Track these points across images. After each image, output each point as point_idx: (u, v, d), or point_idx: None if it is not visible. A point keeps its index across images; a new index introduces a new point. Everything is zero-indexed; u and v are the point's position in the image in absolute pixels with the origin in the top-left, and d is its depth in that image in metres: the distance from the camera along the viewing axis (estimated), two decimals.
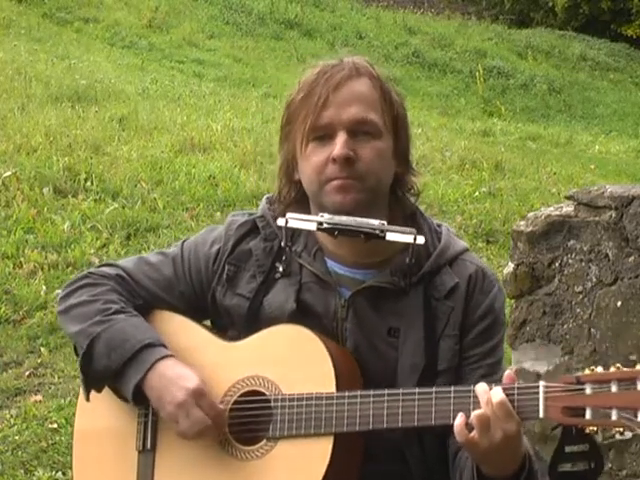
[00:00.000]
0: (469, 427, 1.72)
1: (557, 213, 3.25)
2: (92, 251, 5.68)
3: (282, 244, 1.98)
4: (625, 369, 1.65)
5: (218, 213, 6.54)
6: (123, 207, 6.35)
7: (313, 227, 1.90)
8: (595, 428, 1.65)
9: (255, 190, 6.90)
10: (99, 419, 2.06)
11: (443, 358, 1.92)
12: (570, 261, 3.21)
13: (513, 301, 3.38)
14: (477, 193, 7.93)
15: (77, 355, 2.02)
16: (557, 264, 3.24)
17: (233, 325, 2.01)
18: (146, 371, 1.91)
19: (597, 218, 3.15)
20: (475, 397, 1.74)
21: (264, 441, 1.87)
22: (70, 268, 5.40)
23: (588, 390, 1.66)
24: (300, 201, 1.99)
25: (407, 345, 1.91)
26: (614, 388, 1.64)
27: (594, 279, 3.16)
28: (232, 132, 8.85)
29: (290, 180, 2.00)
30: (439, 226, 2.04)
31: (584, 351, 3.15)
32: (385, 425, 1.80)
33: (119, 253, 5.68)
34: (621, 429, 1.63)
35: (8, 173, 6.50)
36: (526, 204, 7.61)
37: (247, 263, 2.02)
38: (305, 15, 19.44)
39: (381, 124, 1.93)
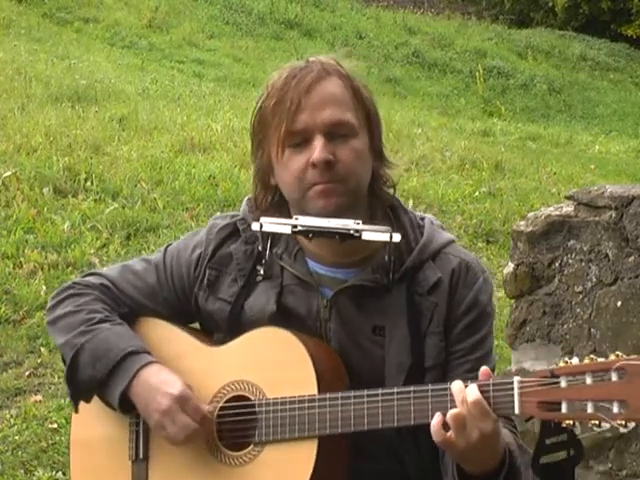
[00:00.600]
0: (446, 427, 1.71)
1: (557, 213, 3.25)
2: (92, 251, 5.67)
3: (260, 248, 1.97)
4: (599, 360, 1.63)
5: (218, 213, 6.51)
6: (123, 207, 6.35)
7: (287, 230, 1.89)
8: (572, 421, 1.64)
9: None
10: (93, 429, 2.06)
11: (429, 355, 1.91)
12: (570, 261, 3.21)
13: (513, 301, 3.38)
14: (477, 193, 7.93)
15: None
16: (557, 264, 3.24)
17: (218, 329, 2.01)
18: (130, 379, 1.91)
19: (597, 218, 3.15)
20: (452, 395, 1.73)
21: (251, 446, 1.88)
22: (70, 268, 5.40)
23: (563, 383, 1.64)
24: (278, 205, 1.97)
25: (393, 343, 1.90)
26: (589, 380, 1.62)
27: (594, 279, 3.16)
28: (232, 132, 8.85)
29: (266, 186, 1.98)
30: (422, 219, 2.02)
31: (584, 351, 3.15)
32: (366, 427, 1.79)
33: (119, 253, 5.68)
34: (597, 422, 1.62)
35: (8, 173, 6.49)
36: (526, 204, 7.61)
37: (228, 267, 2.01)
38: (305, 15, 19.45)
39: (356, 123, 1.91)
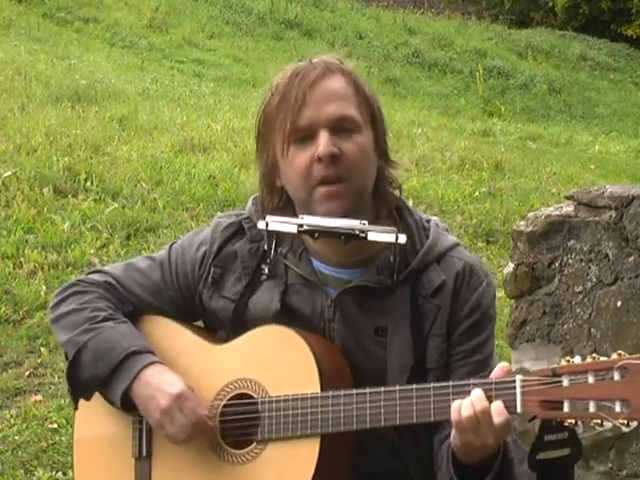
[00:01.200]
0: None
1: (557, 213, 3.25)
2: (92, 251, 5.67)
3: (265, 247, 1.97)
4: (602, 359, 1.63)
5: (218, 213, 6.51)
6: (123, 207, 6.35)
7: (294, 230, 1.89)
8: (573, 420, 1.64)
9: (255, 190, 6.87)
10: (97, 427, 2.06)
11: (431, 357, 1.91)
12: (570, 261, 3.21)
13: (513, 301, 3.38)
14: (477, 193, 7.92)
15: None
16: (557, 264, 3.24)
17: (222, 327, 2.01)
18: (132, 379, 1.92)
19: (597, 218, 3.15)
20: (454, 393, 1.74)
21: (254, 444, 1.88)
22: (70, 268, 5.40)
23: (565, 382, 1.65)
24: (284, 208, 1.97)
25: (395, 344, 1.90)
26: (591, 379, 1.63)
27: (594, 279, 3.16)
28: (232, 132, 8.85)
29: (272, 187, 1.98)
30: (427, 221, 2.02)
31: (584, 351, 3.15)
32: (369, 425, 1.80)
33: (119, 253, 5.68)
34: (599, 421, 1.62)
35: (8, 173, 6.49)
36: (526, 204, 7.60)
37: (233, 265, 2.01)
38: (305, 15, 19.44)
39: (359, 119, 1.91)
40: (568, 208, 3.25)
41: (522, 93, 18.40)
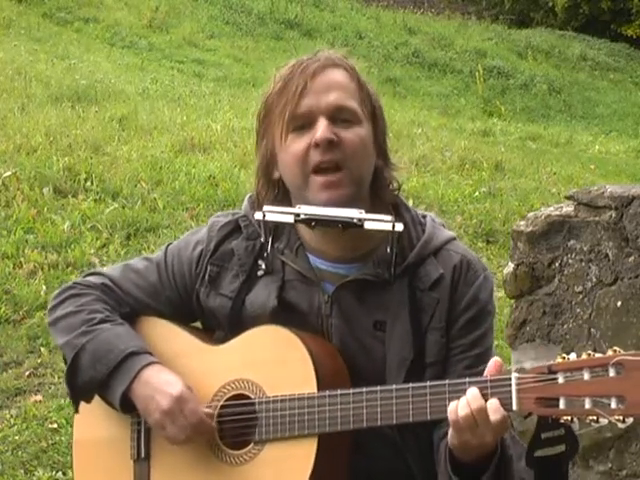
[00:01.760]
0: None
1: (557, 213, 3.25)
2: (92, 251, 5.67)
3: (262, 239, 1.97)
4: (597, 355, 1.63)
5: (218, 213, 6.52)
6: (123, 207, 6.35)
7: (290, 219, 1.89)
8: (570, 417, 1.64)
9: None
10: (95, 428, 2.06)
11: (430, 351, 1.91)
12: (570, 261, 3.21)
13: (513, 301, 3.38)
14: (477, 193, 7.92)
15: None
16: (557, 264, 3.24)
17: (220, 326, 2.01)
18: (131, 380, 1.92)
19: (597, 218, 3.15)
20: (451, 392, 1.73)
21: (252, 445, 1.88)
22: (70, 268, 5.40)
23: (561, 379, 1.65)
24: (281, 201, 1.96)
25: (394, 339, 1.90)
26: (586, 376, 1.63)
27: (594, 279, 3.16)
28: (232, 132, 8.85)
29: (269, 179, 1.98)
30: (424, 217, 2.02)
31: (584, 351, 3.14)
32: (365, 424, 1.80)
33: (119, 253, 5.68)
34: (595, 417, 1.62)
35: (8, 173, 6.49)
36: (526, 204, 7.60)
37: (229, 263, 2.01)
38: (305, 15, 19.43)
39: (360, 112, 1.91)
40: (568, 208, 3.25)
41: (522, 93, 18.40)
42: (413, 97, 16.39)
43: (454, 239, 2.00)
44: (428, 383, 1.77)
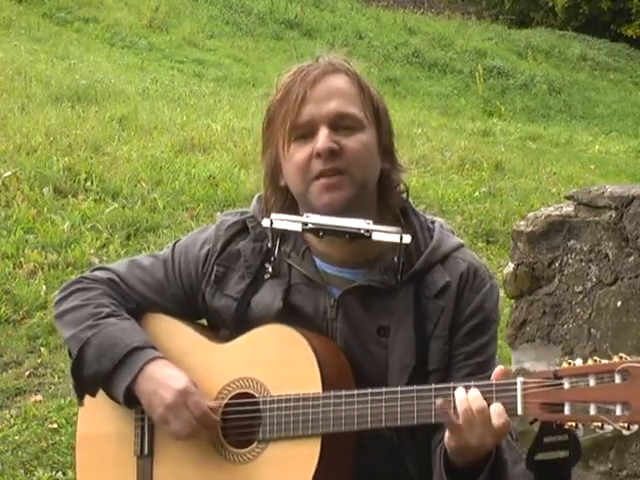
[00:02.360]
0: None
1: (557, 213, 3.25)
2: (92, 251, 5.67)
3: (269, 245, 1.97)
4: (603, 361, 1.63)
5: (218, 213, 6.53)
6: (123, 207, 6.35)
7: (298, 228, 1.89)
8: (574, 423, 1.64)
9: (255, 190, 6.82)
10: (99, 424, 2.06)
11: (433, 358, 1.90)
12: (570, 261, 3.21)
13: (513, 301, 3.38)
14: (477, 193, 7.92)
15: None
16: (557, 264, 3.24)
17: (225, 325, 2.01)
18: (135, 374, 1.92)
19: (597, 218, 3.15)
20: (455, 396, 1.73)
21: (255, 443, 1.88)
22: (70, 268, 5.40)
23: (566, 385, 1.65)
24: (290, 208, 1.96)
25: (397, 344, 1.90)
26: (592, 382, 1.63)
27: (594, 279, 3.16)
28: (232, 132, 8.85)
29: (276, 187, 1.97)
30: (432, 222, 2.01)
31: (584, 351, 3.15)
32: (370, 425, 1.80)
33: (119, 253, 5.68)
34: (600, 424, 1.62)
35: (8, 173, 6.49)
36: (526, 204, 7.60)
37: (236, 264, 2.01)
38: (305, 15, 19.44)
39: (362, 117, 1.90)
40: (568, 208, 3.25)
41: (522, 93, 18.40)
42: (413, 97, 16.39)
43: (462, 246, 1.99)
44: (433, 386, 1.77)
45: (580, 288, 3.19)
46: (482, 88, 17.47)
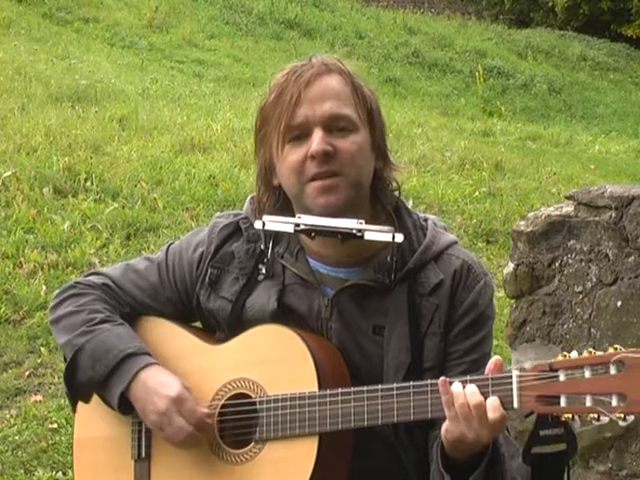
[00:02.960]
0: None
1: (557, 213, 3.25)
2: (92, 251, 5.67)
3: (262, 247, 1.97)
4: (598, 353, 1.63)
5: (218, 213, 6.52)
6: (123, 207, 6.35)
7: (290, 229, 1.89)
8: (570, 415, 1.64)
9: (254, 190, 6.88)
10: (96, 428, 2.06)
11: (428, 356, 1.90)
12: (570, 261, 3.21)
13: (513, 301, 3.38)
14: (477, 193, 7.93)
15: None
16: (557, 264, 3.24)
17: (220, 327, 2.01)
18: (129, 381, 1.92)
19: (597, 218, 3.15)
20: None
21: (252, 444, 1.88)
22: (70, 268, 5.40)
23: (562, 377, 1.65)
24: (282, 208, 1.96)
25: (392, 343, 1.90)
26: (587, 373, 1.63)
27: (594, 279, 3.16)
28: (232, 132, 8.85)
29: (269, 186, 1.97)
30: (425, 220, 2.01)
31: (584, 351, 3.15)
32: (366, 423, 1.80)
33: (119, 253, 5.68)
34: (596, 415, 1.62)
35: (8, 173, 6.50)
36: (526, 204, 7.61)
37: (230, 265, 2.01)
38: (305, 15, 19.46)
39: (356, 118, 1.90)
40: (568, 208, 3.25)
41: (522, 93, 18.42)
42: (413, 97, 16.40)
43: (455, 243, 1.99)
44: (429, 381, 1.77)
45: (580, 288, 3.19)
46: (482, 88, 17.48)
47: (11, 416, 4.08)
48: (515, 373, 1.69)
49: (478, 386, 1.71)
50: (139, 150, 7.71)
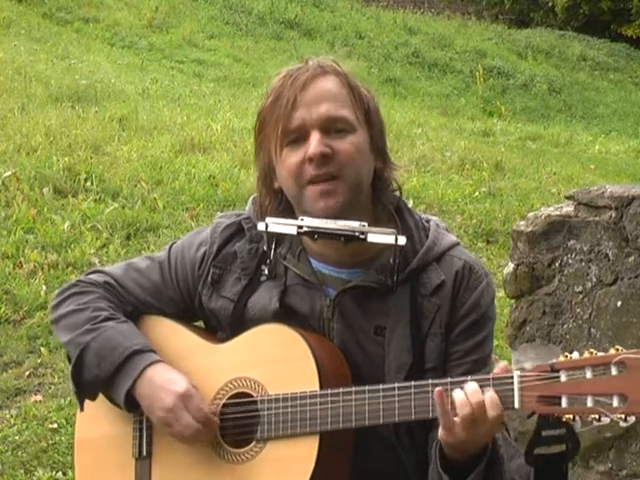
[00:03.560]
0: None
1: (557, 213, 3.25)
2: (92, 251, 5.67)
3: (265, 248, 1.97)
4: (599, 354, 1.64)
5: (218, 213, 6.52)
6: (123, 207, 6.35)
7: (293, 231, 1.89)
8: (571, 416, 1.64)
9: (255, 190, 6.88)
10: (98, 427, 2.07)
11: (430, 357, 1.91)
12: (570, 261, 3.21)
13: (513, 301, 3.38)
14: (477, 193, 7.93)
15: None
16: (557, 264, 3.24)
17: (221, 327, 2.02)
18: (135, 378, 1.92)
19: (597, 218, 3.15)
20: (453, 390, 1.73)
21: (253, 443, 1.88)
22: (70, 268, 5.40)
23: (563, 377, 1.65)
24: (284, 210, 1.96)
25: (393, 344, 1.90)
26: (589, 374, 1.63)
27: (594, 279, 3.16)
28: (232, 132, 8.85)
29: (270, 189, 1.97)
30: (427, 221, 2.02)
31: (584, 351, 3.15)
32: (367, 422, 1.80)
33: (119, 253, 5.68)
34: (597, 416, 1.62)
35: (8, 173, 6.50)
36: (526, 204, 7.61)
37: (232, 265, 2.01)
38: (305, 15, 19.46)
39: (353, 119, 1.90)
40: (568, 208, 3.25)
41: (522, 93, 18.42)
42: (413, 97, 16.40)
43: (457, 244, 2.00)
44: (430, 381, 1.77)
45: (580, 288, 3.19)
46: (482, 88, 17.48)
47: (11, 416, 4.08)
48: (516, 373, 1.69)
49: (479, 386, 1.71)
50: (139, 150, 7.71)
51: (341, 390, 1.82)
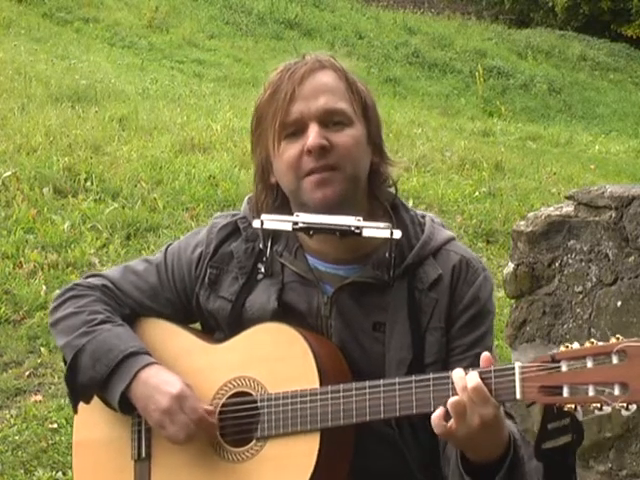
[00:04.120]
0: (447, 417, 1.70)
1: (557, 213, 3.25)
2: (92, 251, 5.67)
3: (261, 246, 1.97)
4: (600, 343, 1.64)
5: (218, 213, 6.52)
6: (123, 207, 6.35)
7: (288, 227, 1.89)
8: (573, 405, 1.64)
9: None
10: (96, 429, 2.06)
11: (430, 351, 1.90)
12: (570, 261, 3.21)
13: (513, 301, 3.38)
14: (477, 193, 7.93)
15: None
16: (557, 264, 3.24)
17: (219, 328, 2.02)
18: (130, 380, 1.92)
19: (597, 218, 3.15)
20: (454, 384, 1.73)
21: (254, 442, 1.88)
22: (70, 268, 5.40)
23: (564, 367, 1.65)
24: (280, 207, 1.96)
25: (393, 339, 1.90)
26: (590, 364, 1.63)
27: (594, 279, 3.16)
28: (232, 132, 8.85)
29: (266, 185, 1.97)
30: (423, 217, 2.02)
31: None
32: (368, 417, 1.80)
33: (119, 253, 5.68)
34: (599, 405, 1.62)
35: (8, 173, 6.50)
36: (526, 204, 7.61)
37: (229, 265, 2.01)
38: (305, 15, 19.45)
39: (351, 112, 1.90)
40: (568, 208, 3.25)
41: (522, 93, 18.41)
42: (413, 97, 16.39)
43: (453, 239, 2.00)
44: (431, 375, 1.77)
45: (580, 288, 3.19)
46: (482, 88, 17.48)
47: (11, 416, 4.08)
48: (517, 364, 1.70)
49: (481, 378, 1.70)
50: (139, 150, 7.71)
51: (341, 386, 1.82)
